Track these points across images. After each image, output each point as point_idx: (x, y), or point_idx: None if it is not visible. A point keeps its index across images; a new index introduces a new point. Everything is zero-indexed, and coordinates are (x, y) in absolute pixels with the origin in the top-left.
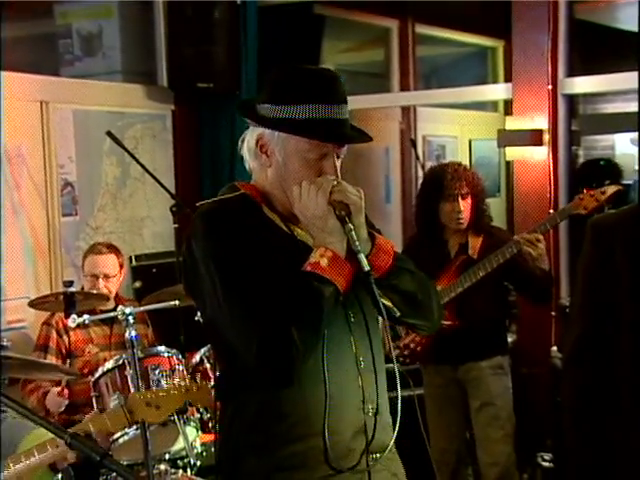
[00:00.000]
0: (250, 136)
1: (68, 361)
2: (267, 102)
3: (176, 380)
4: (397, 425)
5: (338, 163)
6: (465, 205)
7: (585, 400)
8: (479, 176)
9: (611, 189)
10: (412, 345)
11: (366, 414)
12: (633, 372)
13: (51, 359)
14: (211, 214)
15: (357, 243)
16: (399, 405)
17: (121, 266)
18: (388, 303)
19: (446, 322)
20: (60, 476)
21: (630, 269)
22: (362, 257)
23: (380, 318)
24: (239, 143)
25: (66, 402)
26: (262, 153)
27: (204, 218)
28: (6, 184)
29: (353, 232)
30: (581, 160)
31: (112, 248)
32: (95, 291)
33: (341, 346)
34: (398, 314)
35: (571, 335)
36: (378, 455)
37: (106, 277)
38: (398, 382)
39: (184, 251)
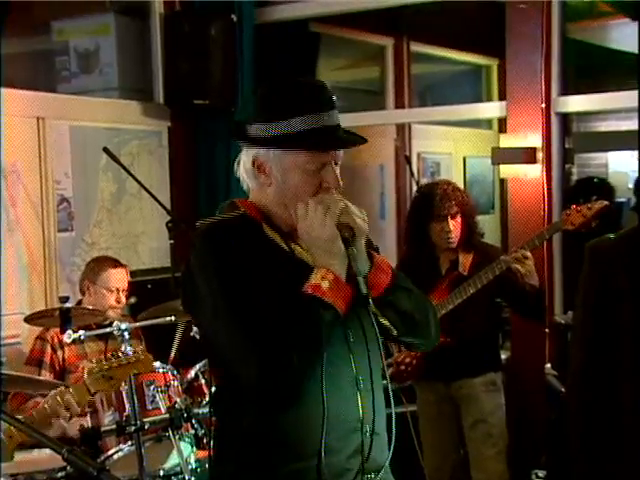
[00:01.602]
0: (246, 157)
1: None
2: (257, 121)
3: (129, 350)
4: (392, 445)
5: (337, 170)
6: (455, 224)
7: (592, 427)
8: (468, 194)
9: (598, 205)
10: (406, 361)
11: (364, 434)
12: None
13: (45, 374)
14: (211, 234)
15: (358, 267)
16: (393, 426)
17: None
18: (385, 322)
19: None
20: None
21: (632, 293)
22: (361, 280)
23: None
24: (235, 165)
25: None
26: (260, 172)
27: (204, 238)
28: (1, 200)
29: (355, 255)
30: (575, 178)
31: (119, 262)
32: (115, 305)
33: (340, 366)
34: (395, 333)
35: (575, 362)
36: (373, 475)
37: (123, 290)
38: (392, 403)
39: (184, 270)
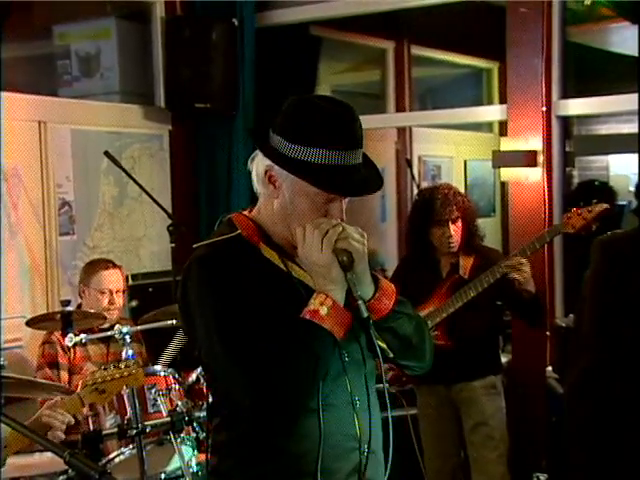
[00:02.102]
0: (260, 163)
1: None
2: (281, 135)
3: (122, 365)
4: (389, 465)
5: (344, 205)
6: (455, 229)
7: (590, 434)
8: (469, 198)
9: (598, 207)
10: None
11: (362, 453)
12: None
13: (63, 375)
14: (206, 260)
15: (358, 292)
16: (390, 444)
17: (125, 280)
18: (383, 345)
19: (438, 342)
20: None
21: None
22: (362, 304)
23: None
24: (249, 162)
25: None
26: (270, 183)
27: (199, 265)
28: (3, 203)
29: (355, 280)
30: (576, 181)
31: (114, 263)
32: (108, 307)
33: (336, 386)
34: (391, 356)
35: (578, 365)
36: None
37: (117, 292)
38: (390, 415)
39: (179, 297)
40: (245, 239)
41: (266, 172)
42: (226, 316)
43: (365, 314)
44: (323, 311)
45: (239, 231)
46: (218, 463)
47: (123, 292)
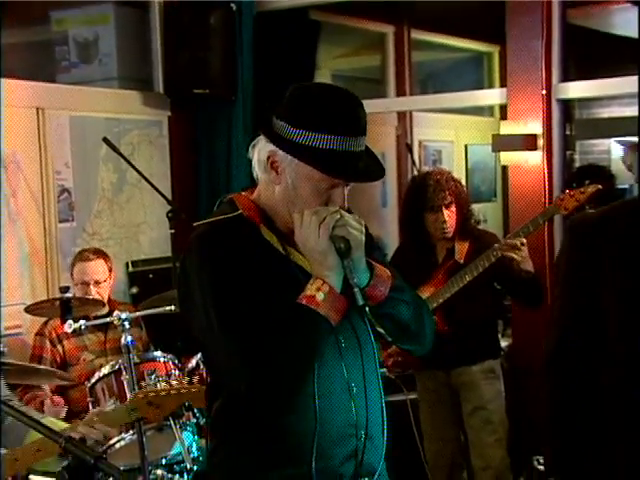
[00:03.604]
0: (262, 148)
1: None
2: (285, 120)
3: (174, 382)
4: (384, 448)
5: (346, 191)
6: (449, 214)
7: (566, 405)
8: (461, 183)
9: (591, 188)
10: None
11: (358, 439)
12: (622, 373)
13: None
14: (207, 237)
15: (354, 279)
16: (384, 440)
17: (110, 270)
18: (381, 330)
19: (436, 328)
20: None
21: (619, 269)
22: (357, 292)
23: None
24: (250, 149)
25: (65, 409)
26: (272, 169)
27: (199, 241)
28: (2, 191)
29: (351, 267)
30: (577, 164)
31: (99, 253)
32: (89, 297)
33: (332, 372)
34: (390, 339)
35: (551, 338)
36: (367, 479)
37: (96, 283)
38: (384, 413)
39: (179, 274)
40: (246, 219)
41: (269, 158)
42: (224, 292)
43: (361, 302)
44: (319, 297)
45: (240, 211)
46: (216, 446)
47: (104, 282)
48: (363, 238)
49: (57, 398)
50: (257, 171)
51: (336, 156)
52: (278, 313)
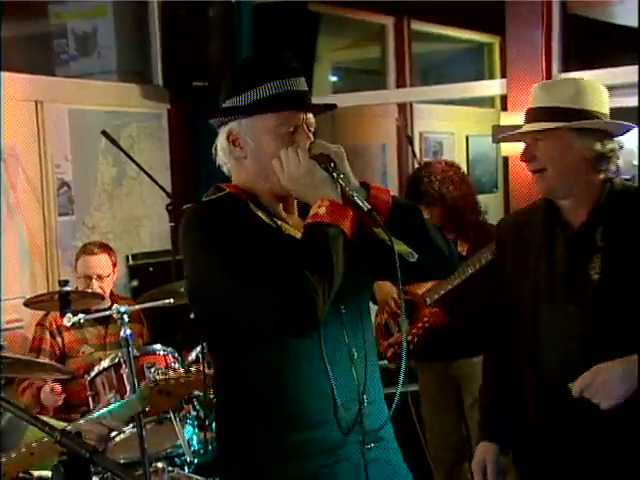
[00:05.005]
0: (221, 137)
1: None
2: (228, 97)
3: (181, 370)
4: (390, 412)
5: (311, 134)
6: (434, 212)
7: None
8: (450, 179)
9: None
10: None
11: (362, 405)
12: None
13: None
14: (199, 211)
15: (350, 189)
16: (396, 399)
17: (114, 265)
18: (403, 247)
19: (437, 320)
20: (51, 474)
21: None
22: (359, 198)
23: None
24: (213, 152)
25: (62, 397)
26: (235, 147)
27: (192, 215)
28: (1, 184)
29: (343, 179)
30: None
31: (104, 247)
32: (89, 290)
33: (333, 338)
34: (415, 257)
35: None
36: (373, 445)
37: (99, 277)
38: (401, 378)
39: (180, 248)
40: (234, 197)
41: (228, 137)
42: (227, 245)
43: (366, 207)
44: (322, 211)
45: (228, 190)
46: (222, 430)
47: (107, 277)
48: (343, 152)
49: (56, 386)
50: (226, 164)
51: (280, 96)
52: (287, 247)
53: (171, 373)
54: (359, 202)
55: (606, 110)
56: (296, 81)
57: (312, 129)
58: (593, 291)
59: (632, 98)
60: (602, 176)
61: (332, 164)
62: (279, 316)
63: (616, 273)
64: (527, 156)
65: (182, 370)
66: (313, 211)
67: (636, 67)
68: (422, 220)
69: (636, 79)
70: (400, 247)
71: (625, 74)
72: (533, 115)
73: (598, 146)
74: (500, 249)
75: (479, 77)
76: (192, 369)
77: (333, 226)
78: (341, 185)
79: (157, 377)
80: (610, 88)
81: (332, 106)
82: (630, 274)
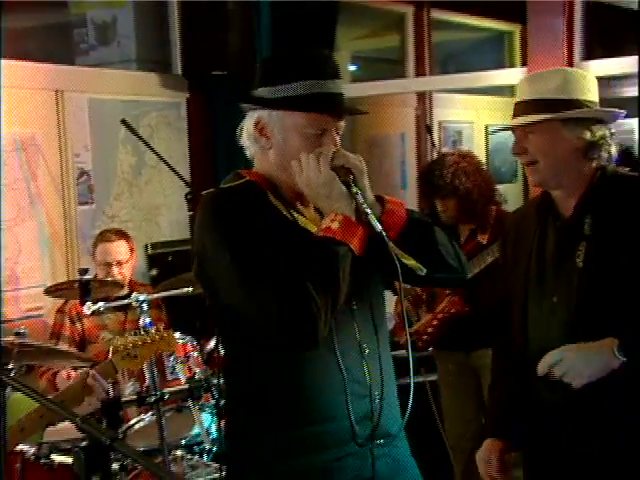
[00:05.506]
0: (248, 122)
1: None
2: (262, 86)
3: (150, 333)
4: (407, 412)
5: (337, 139)
6: (449, 204)
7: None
8: (464, 170)
9: None
10: (427, 331)
11: (372, 400)
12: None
13: (63, 347)
14: (216, 198)
15: (365, 205)
16: (411, 394)
17: (132, 250)
18: (411, 262)
19: (457, 308)
20: (71, 461)
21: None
22: (372, 218)
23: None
24: (238, 132)
25: None
26: (262, 136)
27: (209, 202)
28: (22, 173)
29: (360, 195)
30: None
31: (121, 234)
32: (110, 279)
33: (345, 333)
34: (424, 272)
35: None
36: (383, 441)
37: (119, 264)
38: (411, 372)
39: (195, 239)
40: (254, 185)
41: (256, 125)
42: (240, 240)
43: (378, 228)
44: (335, 226)
45: (247, 178)
46: (233, 422)
47: (126, 263)
48: (364, 166)
49: (72, 372)
50: (249, 148)
51: (313, 97)
52: (296, 246)
53: (129, 338)
54: (372, 222)
55: (595, 98)
56: (333, 83)
57: (340, 132)
58: (577, 278)
59: None
60: (594, 164)
61: (351, 177)
62: (279, 329)
63: (600, 259)
64: (518, 150)
65: (198, 360)
66: (325, 224)
67: None
68: (433, 236)
69: None
70: (409, 262)
71: None
72: (521, 108)
73: (588, 135)
74: (503, 243)
75: (499, 66)
76: (152, 330)
77: (343, 244)
78: (357, 201)
79: (116, 343)
80: (632, 76)
81: (362, 112)
82: (614, 260)
